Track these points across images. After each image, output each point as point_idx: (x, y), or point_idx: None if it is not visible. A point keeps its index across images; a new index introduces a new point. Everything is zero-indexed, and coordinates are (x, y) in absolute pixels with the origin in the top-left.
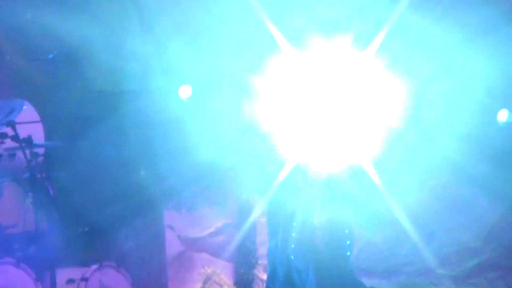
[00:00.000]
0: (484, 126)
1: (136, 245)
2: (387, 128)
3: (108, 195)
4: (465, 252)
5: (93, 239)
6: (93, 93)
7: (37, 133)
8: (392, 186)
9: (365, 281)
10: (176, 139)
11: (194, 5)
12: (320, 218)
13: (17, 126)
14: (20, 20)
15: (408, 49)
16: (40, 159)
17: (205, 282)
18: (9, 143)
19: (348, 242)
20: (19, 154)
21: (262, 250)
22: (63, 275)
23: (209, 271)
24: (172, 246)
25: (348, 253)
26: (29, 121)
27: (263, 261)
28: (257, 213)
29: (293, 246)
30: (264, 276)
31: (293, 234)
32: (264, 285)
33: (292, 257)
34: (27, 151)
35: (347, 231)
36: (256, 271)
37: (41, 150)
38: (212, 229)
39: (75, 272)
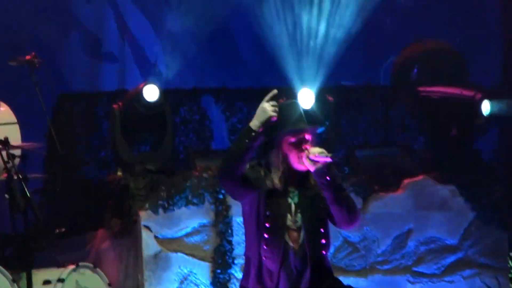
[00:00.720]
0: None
1: (112, 246)
2: None
3: (84, 196)
4: (442, 250)
5: (69, 240)
6: (70, 95)
7: (14, 134)
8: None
9: (342, 279)
10: (151, 138)
11: None
12: (294, 218)
13: None
14: None
15: None
16: (17, 160)
17: (181, 282)
18: None
19: (324, 242)
20: None
21: (238, 250)
22: (39, 276)
23: (185, 271)
24: (149, 247)
25: (324, 242)
26: (5, 123)
27: (240, 261)
28: (234, 213)
29: (265, 247)
30: (241, 276)
31: (265, 235)
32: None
33: (264, 258)
34: (4, 153)
35: (322, 230)
36: (232, 271)
37: (18, 152)
38: (188, 229)
39: (52, 273)
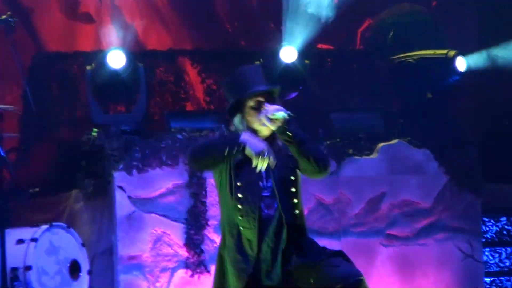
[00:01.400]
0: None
1: (86, 206)
2: None
3: (59, 156)
4: (415, 213)
5: (43, 200)
6: (46, 55)
7: None
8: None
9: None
10: (126, 100)
11: None
12: (266, 183)
13: None
14: None
15: None
16: None
17: (155, 243)
18: None
19: (296, 201)
20: None
21: (212, 211)
22: (13, 235)
23: (159, 232)
24: (122, 207)
25: (296, 201)
26: None
27: (213, 222)
28: (208, 174)
29: (240, 218)
30: (215, 237)
31: (239, 206)
32: (214, 245)
33: (242, 228)
34: None
35: (294, 190)
36: (206, 232)
37: None
38: (162, 190)
39: (25, 233)
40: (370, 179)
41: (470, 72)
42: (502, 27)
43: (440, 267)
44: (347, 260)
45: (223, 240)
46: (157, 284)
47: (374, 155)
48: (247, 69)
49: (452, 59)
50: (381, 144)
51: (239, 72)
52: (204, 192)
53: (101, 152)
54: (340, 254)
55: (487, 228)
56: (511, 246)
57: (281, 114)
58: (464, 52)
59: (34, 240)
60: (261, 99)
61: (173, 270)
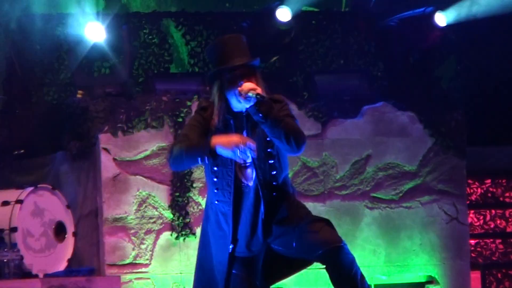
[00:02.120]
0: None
1: (71, 168)
2: None
3: (43, 118)
4: (400, 176)
5: (28, 162)
6: (30, 16)
7: None
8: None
9: None
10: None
11: None
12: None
13: None
14: None
15: None
16: None
17: (140, 205)
18: None
19: (274, 172)
20: None
21: (197, 174)
22: None
23: (144, 193)
24: (108, 169)
25: (275, 172)
26: None
27: (198, 184)
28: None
29: (215, 191)
30: (200, 200)
31: (214, 179)
32: (199, 207)
33: (216, 202)
34: None
35: (271, 161)
36: (191, 194)
37: None
38: (147, 152)
39: (10, 194)
40: (354, 141)
41: (451, 27)
42: None
43: (425, 230)
44: (331, 226)
45: (205, 215)
46: (142, 246)
47: (359, 118)
48: (228, 39)
49: (431, 15)
50: (365, 107)
51: (220, 42)
52: None
53: (86, 114)
54: (323, 220)
55: (472, 191)
56: (496, 208)
57: (252, 94)
58: (443, 8)
59: (19, 201)
60: (238, 72)
61: (158, 233)
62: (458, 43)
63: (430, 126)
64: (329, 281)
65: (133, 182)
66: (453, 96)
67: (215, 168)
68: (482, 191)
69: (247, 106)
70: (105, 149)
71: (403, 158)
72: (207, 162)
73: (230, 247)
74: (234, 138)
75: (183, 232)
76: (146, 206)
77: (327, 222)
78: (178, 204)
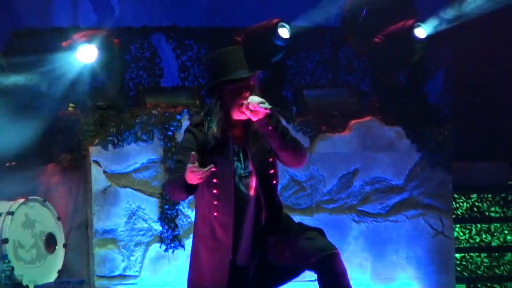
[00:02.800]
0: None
1: (62, 180)
2: None
3: (35, 130)
4: (387, 190)
5: (19, 174)
6: (23, 31)
7: None
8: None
9: None
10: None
11: None
12: (244, 165)
13: None
14: None
15: None
16: None
17: (130, 217)
18: None
19: (274, 182)
20: None
21: None
22: None
23: (134, 206)
24: (98, 182)
25: (274, 182)
26: None
27: (188, 198)
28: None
29: (215, 202)
30: (189, 212)
31: (214, 191)
32: (188, 220)
33: (216, 214)
34: None
35: (272, 172)
36: (180, 207)
37: None
38: (137, 165)
39: (1, 206)
40: (342, 155)
41: (435, 43)
42: None
43: (411, 243)
44: (323, 235)
45: (196, 231)
46: (132, 258)
47: (346, 132)
48: (228, 52)
49: (411, 29)
50: (353, 121)
51: (221, 54)
52: None
53: (76, 127)
54: (317, 229)
55: (458, 205)
56: (481, 222)
57: (263, 107)
58: (423, 20)
59: (10, 213)
60: (243, 84)
61: (148, 245)
62: (444, 59)
63: (417, 141)
64: None
65: (123, 194)
66: (440, 112)
67: (214, 181)
68: (468, 205)
69: (254, 119)
70: (96, 161)
71: (390, 172)
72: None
73: (230, 258)
74: (191, 174)
75: (172, 244)
76: (135, 219)
77: (320, 231)
78: (167, 217)
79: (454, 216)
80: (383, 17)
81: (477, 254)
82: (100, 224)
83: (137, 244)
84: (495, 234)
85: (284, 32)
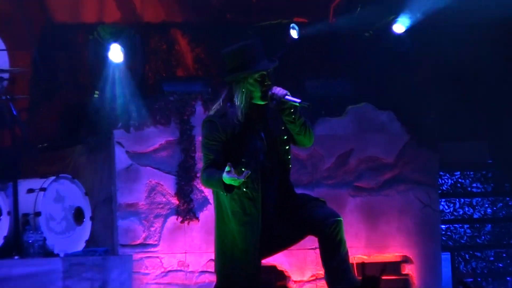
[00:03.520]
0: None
1: (88, 160)
2: None
3: (65, 115)
4: (380, 167)
5: (50, 154)
6: (53, 26)
7: (2, 60)
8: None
9: None
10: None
11: None
12: (266, 148)
13: None
14: None
15: None
16: (5, 83)
17: (150, 192)
18: None
19: (290, 166)
20: None
21: (200, 165)
22: (24, 185)
23: (153, 182)
24: (121, 161)
25: (289, 157)
26: None
27: None
28: (197, 132)
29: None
30: (202, 188)
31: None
32: (202, 195)
33: (245, 189)
34: None
35: (285, 137)
36: (194, 183)
37: (6, 75)
38: (156, 146)
39: (35, 183)
40: (340, 137)
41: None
42: None
43: (401, 215)
44: (327, 205)
45: (226, 205)
46: (152, 229)
47: (343, 116)
48: (252, 44)
49: (391, 24)
50: (350, 107)
51: (245, 46)
52: (193, 148)
53: (102, 112)
54: (321, 199)
55: (443, 181)
56: (464, 197)
57: (291, 100)
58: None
59: (43, 189)
60: (264, 73)
61: (166, 217)
62: (429, 50)
63: (407, 124)
64: None
65: (143, 172)
66: (427, 97)
67: (243, 160)
68: (452, 181)
69: (277, 108)
70: (119, 143)
71: (382, 152)
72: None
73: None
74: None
75: (188, 217)
76: (155, 194)
77: (324, 202)
78: (183, 192)
79: (439, 191)
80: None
81: (460, 225)
82: (123, 199)
83: (156, 216)
84: (476, 207)
85: (294, 33)
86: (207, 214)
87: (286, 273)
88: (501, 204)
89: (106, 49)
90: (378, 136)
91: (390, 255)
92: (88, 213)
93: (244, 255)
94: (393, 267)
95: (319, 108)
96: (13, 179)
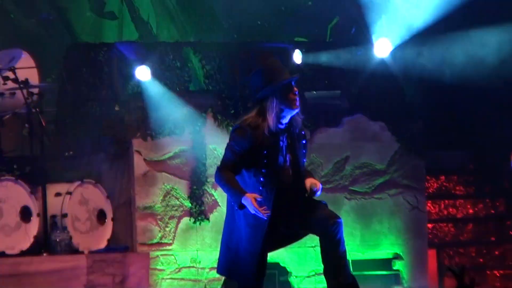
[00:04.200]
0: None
1: (110, 166)
2: None
3: (89, 126)
4: (372, 173)
5: (76, 161)
6: (78, 45)
7: (33, 76)
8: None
9: None
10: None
11: None
12: (285, 158)
13: (17, 71)
14: None
15: None
16: (35, 97)
17: (165, 196)
18: (10, 84)
19: (303, 170)
20: (18, 93)
21: (210, 171)
22: (52, 189)
23: (168, 187)
24: (139, 167)
25: (304, 160)
26: (26, 67)
27: (211, 180)
28: (208, 141)
29: (261, 188)
30: (213, 192)
31: (261, 179)
32: (212, 198)
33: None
34: (25, 91)
35: (304, 161)
36: (205, 187)
37: (35, 90)
38: (171, 154)
39: (62, 187)
40: (336, 145)
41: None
42: None
43: (392, 216)
44: (328, 207)
45: (237, 211)
46: (167, 229)
47: (339, 126)
48: (274, 61)
49: (372, 46)
50: (345, 118)
51: (272, 63)
52: (204, 155)
53: (122, 123)
54: (321, 202)
55: (430, 185)
56: (448, 199)
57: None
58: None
59: (69, 193)
60: (291, 83)
61: (179, 218)
62: (415, 66)
63: (397, 133)
64: None
65: (159, 177)
66: (415, 109)
67: (264, 170)
68: (438, 185)
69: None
70: (137, 151)
71: (375, 158)
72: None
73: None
74: (253, 205)
75: (199, 218)
76: (170, 197)
77: (326, 204)
78: (195, 195)
79: (426, 194)
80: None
81: (445, 224)
82: (141, 202)
83: (171, 218)
84: (459, 208)
85: (298, 58)
86: (217, 216)
87: (288, 269)
88: (481, 205)
89: (127, 66)
90: (371, 144)
91: (382, 252)
92: (109, 214)
93: (247, 255)
94: (385, 263)
95: (318, 119)
96: (42, 183)
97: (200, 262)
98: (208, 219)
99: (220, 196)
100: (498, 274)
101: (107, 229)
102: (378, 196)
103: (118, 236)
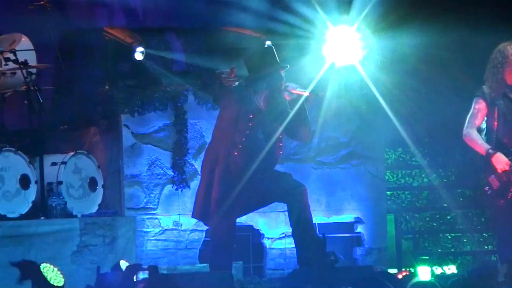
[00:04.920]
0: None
1: (101, 139)
2: None
3: (81, 102)
4: (337, 145)
5: (70, 134)
6: (72, 31)
7: (31, 58)
8: None
9: None
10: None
11: None
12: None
13: (17, 53)
14: None
15: None
16: (34, 76)
17: (150, 165)
18: (11, 64)
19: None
20: (19, 73)
21: (191, 143)
22: (48, 159)
23: (153, 157)
24: (127, 140)
25: (281, 144)
26: (25, 49)
27: (192, 151)
28: (189, 116)
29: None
30: (193, 162)
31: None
32: (192, 167)
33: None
34: (24, 71)
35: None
36: (187, 158)
37: (34, 70)
38: (156, 128)
39: (57, 158)
40: None
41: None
42: None
43: (355, 184)
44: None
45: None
46: (152, 195)
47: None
48: (269, 49)
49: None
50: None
51: (267, 49)
52: (185, 129)
53: (112, 100)
54: (286, 173)
55: (388, 156)
56: (405, 169)
57: (301, 90)
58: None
59: (63, 163)
60: (281, 71)
61: (163, 186)
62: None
63: (359, 110)
64: None
65: (145, 149)
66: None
67: (243, 139)
68: (396, 156)
69: (289, 98)
70: (125, 125)
71: (339, 132)
72: None
73: None
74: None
75: (181, 185)
76: (154, 167)
77: (290, 174)
78: (178, 165)
79: (385, 164)
80: None
81: (402, 192)
82: (128, 171)
83: (155, 185)
84: (415, 177)
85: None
86: (197, 183)
87: (260, 231)
88: (435, 174)
89: (117, 48)
90: (335, 120)
91: (345, 216)
92: (100, 182)
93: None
94: (348, 226)
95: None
96: (39, 154)
97: (182, 225)
98: (189, 186)
99: (199, 166)
100: (449, 237)
101: (98, 195)
102: (342, 166)
103: (108, 201)
